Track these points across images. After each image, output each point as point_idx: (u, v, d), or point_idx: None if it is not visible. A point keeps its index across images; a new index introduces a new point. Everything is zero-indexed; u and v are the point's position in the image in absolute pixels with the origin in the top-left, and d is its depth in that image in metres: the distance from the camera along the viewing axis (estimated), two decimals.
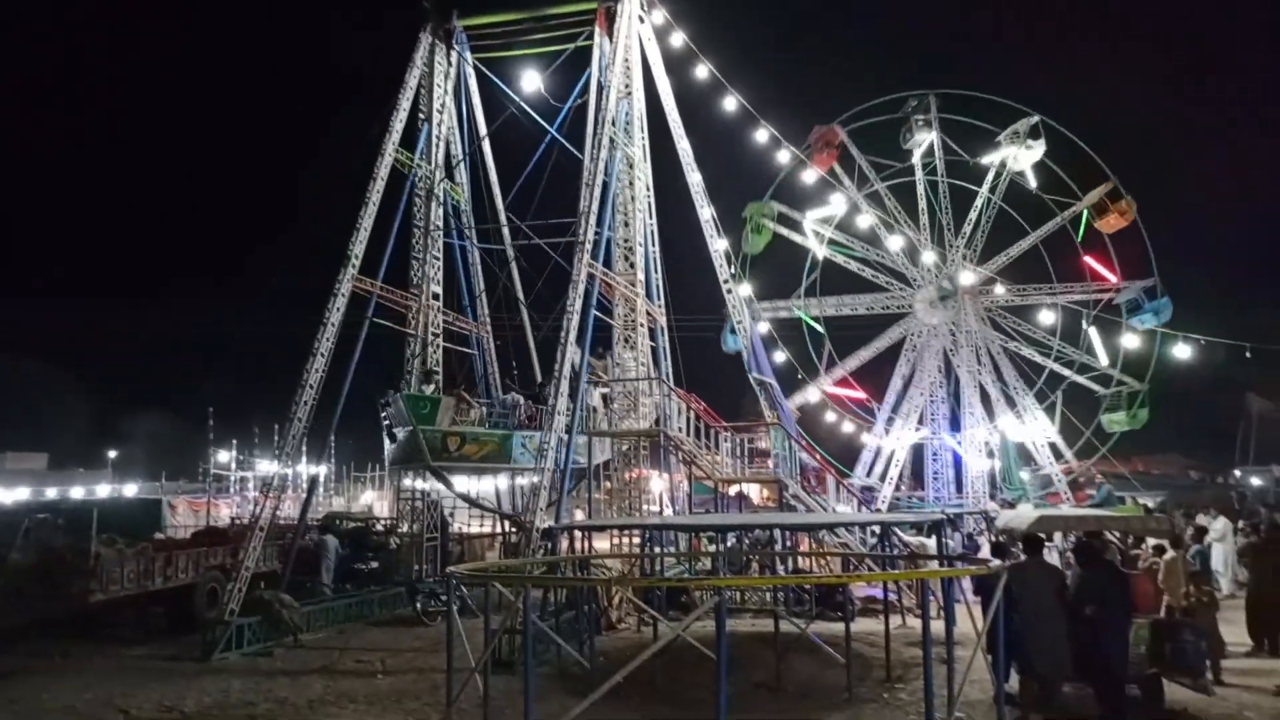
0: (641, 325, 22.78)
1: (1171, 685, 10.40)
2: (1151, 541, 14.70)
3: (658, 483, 23.43)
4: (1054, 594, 9.73)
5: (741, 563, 18.91)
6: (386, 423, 19.24)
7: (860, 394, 34.63)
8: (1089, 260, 32.81)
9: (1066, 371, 32.81)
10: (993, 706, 9.31)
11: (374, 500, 42.45)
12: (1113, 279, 32.23)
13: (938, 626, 9.52)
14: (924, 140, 33.50)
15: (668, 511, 22.14)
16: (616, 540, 20.34)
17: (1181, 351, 30.42)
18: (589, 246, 18.55)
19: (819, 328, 34.13)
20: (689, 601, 16.83)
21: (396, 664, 13.91)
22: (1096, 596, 9.77)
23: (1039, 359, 33.07)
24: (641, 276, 22.94)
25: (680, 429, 20.30)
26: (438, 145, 21.94)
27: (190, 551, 17.30)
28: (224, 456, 42.78)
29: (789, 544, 18.11)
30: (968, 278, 33.18)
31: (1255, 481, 39.70)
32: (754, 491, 24.91)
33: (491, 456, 19.08)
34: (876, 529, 17.25)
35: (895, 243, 33.58)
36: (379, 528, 22.45)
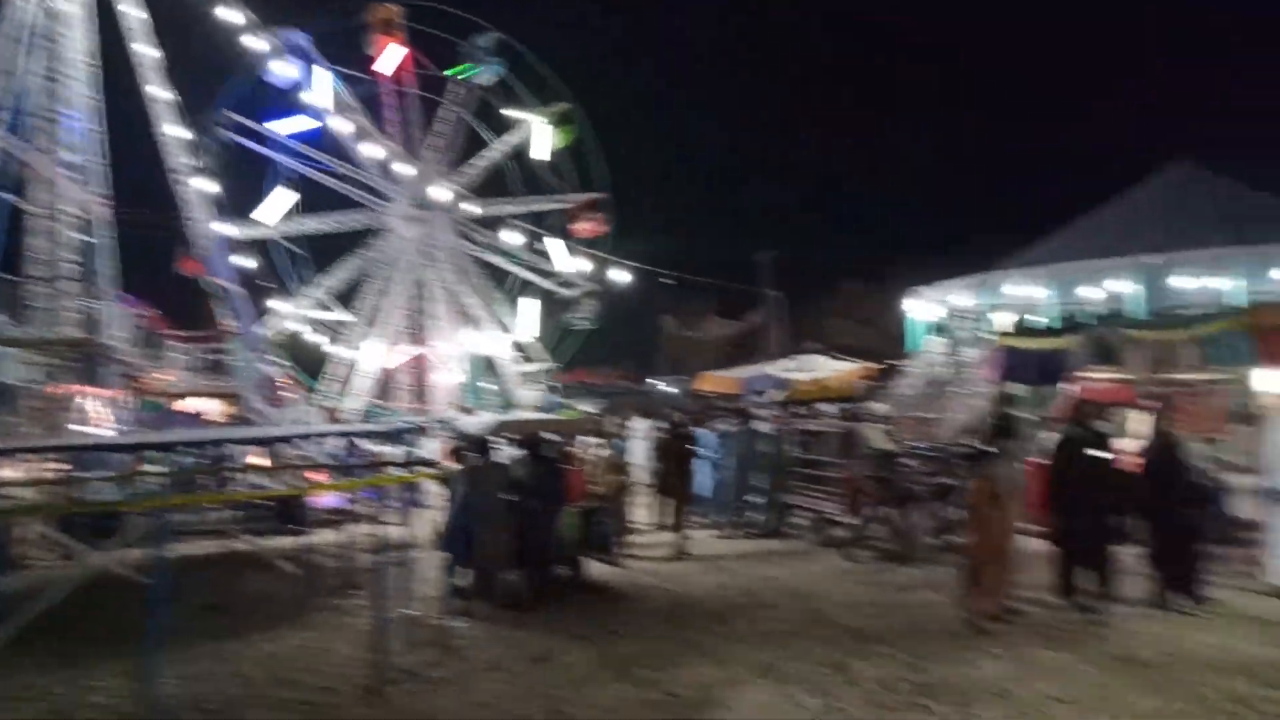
0: (71, 216, 19.53)
1: (594, 563, 12.15)
2: (593, 440, 16.82)
3: (93, 400, 20.56)
4: (502, 490, 10.70)
5: (192, 482, 17.48)
6: None
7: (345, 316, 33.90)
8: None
9: (533, 277, 35.12)
10: (443, 600, 10.02)
11: None
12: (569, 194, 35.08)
13: (398, 531, 9.89)
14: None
15: (110, 432, 19.58)
16: (38, 467, 17.44)
17: (620, 277, 34.99)
18: None
19: (296, 248, 32.63)
20: (122, 528, 15.18)
21: None
22: (537, 490, 11.01)
23: (510, 267, 35.17)
24: (77, 159, 19.57)
25: (123, 338, 17.95)
26: None
27: None
28: None
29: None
30: (441, 193, 33.84)
31: (663, 388, 48.07)
32: (215, 408, 23.24)
33: None
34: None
35: (371, 152, 32.75)
36: None
